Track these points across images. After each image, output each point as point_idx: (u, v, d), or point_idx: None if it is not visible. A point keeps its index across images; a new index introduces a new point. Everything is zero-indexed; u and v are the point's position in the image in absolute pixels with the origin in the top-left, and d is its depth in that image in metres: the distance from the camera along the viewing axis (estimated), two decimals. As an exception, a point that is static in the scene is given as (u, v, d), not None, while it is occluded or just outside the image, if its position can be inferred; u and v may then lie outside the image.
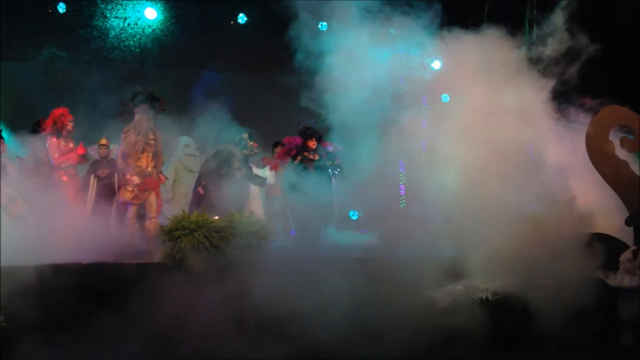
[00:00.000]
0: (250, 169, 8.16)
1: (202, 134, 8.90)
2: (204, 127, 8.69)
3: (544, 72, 7.30)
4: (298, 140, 8.60)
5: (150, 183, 7.11)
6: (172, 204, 8.60)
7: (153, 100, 7.08)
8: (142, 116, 7.02)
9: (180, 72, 10.74)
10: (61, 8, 9.38)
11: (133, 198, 7.03)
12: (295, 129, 9.27)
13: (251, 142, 7.84)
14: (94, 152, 8.68)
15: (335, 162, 8.12)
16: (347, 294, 5.64)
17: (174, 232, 5.92)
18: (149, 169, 7.09)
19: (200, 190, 7.74)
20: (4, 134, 7.83)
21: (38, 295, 5.18)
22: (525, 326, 5.85)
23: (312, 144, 7.94)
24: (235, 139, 7.82)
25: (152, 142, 7.09)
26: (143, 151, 7.04)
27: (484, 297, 6.01)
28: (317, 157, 7.90)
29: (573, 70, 7.36)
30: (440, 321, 5.64)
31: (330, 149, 8.41)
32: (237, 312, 5.53)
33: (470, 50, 6.97)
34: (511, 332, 5.80)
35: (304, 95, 7.00)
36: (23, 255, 5.90)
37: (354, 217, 10.37)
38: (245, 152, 7.79)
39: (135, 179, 7.01)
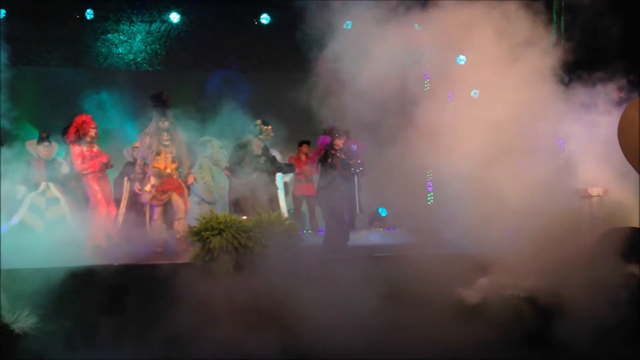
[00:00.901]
0: (274, 158, 8.18)
1: (229, 134, 9.03)
2: (230, 127, 8.81)
3: (572, 61, 7.20)
4: (327, 139, 8.60)
5: (170, 184, 7.13)
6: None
7: (159, 101, 7.13)
8: (153, 118, 7.13)
9: (206, 74, 10.80)
10: (89, 15, 9.54)
11: (152, 199, 7.09)
12: (317, 128, 9.30)
13: (265, 127, 7.85)
14: (127, 154, 8.83)
15: (358, 161, 8.09)
16: (375, 292, 5.62)
17: (203, 232, 5.97)
18: (168, 170, 7.14)
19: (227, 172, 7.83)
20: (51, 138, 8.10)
21: (71, 296, 5.27)
22: (556, 324, 5.75)
23: (340, 142, 7.93)
24: (250, 127, 7.88)
25: (167, 142, 7.14)
26: (159, 153, 7.11)
27: (514, 294, 5.94)
28: (343, 156, 7.89)
29: (604, 59, 7.25)
30: (470, 319, 5.58)
31: (354, 147, 8.39)
32: (266, 311, 5.56)
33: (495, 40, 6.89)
34: (542, 330, 5.70)
35: (327, 95, 6.99)
36: (57, 257, 6.04)
37: (383, 214, 10.37)
38: (261, 137, 7.83)
39: (152, 180, 7.06)
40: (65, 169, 8.13)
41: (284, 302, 5.57)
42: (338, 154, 7.84)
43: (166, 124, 7.14)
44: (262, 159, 7.80)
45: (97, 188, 7.04)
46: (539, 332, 5.70)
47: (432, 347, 5.22)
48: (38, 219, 7.87)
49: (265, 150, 7.88)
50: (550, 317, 5.74)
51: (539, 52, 6.94)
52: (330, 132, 8.13)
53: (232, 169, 7.78)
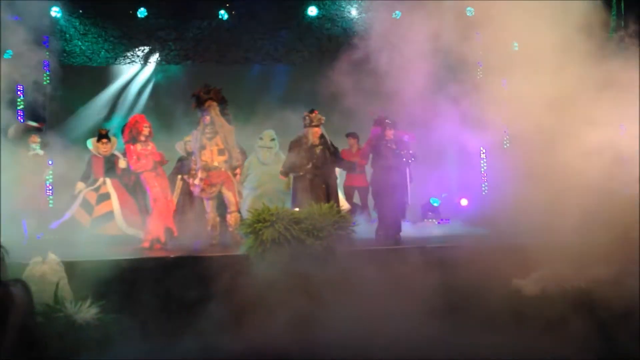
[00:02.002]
0: (335, 148, 8.15)
1: (279, 127, 9.11)
2: (280, 120, 8.88)
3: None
4: (378, 130, 8.49)
5: (217, 177, 7.21)
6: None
7: (200, 96, 7.22)
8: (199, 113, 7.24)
9: (256, 68, 10.90)
10: (141, 13, 9.75)
11: (201, 192, 7.21)
12: (365, 119, 9.23)
13: (313, 114, 7.82)
14: (179, 148, 9.00)
15: (410, 151, 7.97)
16: (430, 283, 5.55)
17: (255, 224, 6.01)
18: (215, 163, 7.22)
19: (283, 177, 7.84)
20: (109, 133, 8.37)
21: (130, 288, 5.40)
22: (620, 317, 5.51)
23: (390, 133, 7.82)
24: (302, 119, 7.87)
25: (211, 136, 7.22)
26: (204, 147, 7.20)
27: (575, 286, 5.73)
28: (394, 147, 7.79)
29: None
30: (529, 311, 5.43)
31: (406, 138, 8.26)
32: (320, 302, 5.56)
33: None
34: (605, 324, 5.48)
35: (374, 86, 6.94)
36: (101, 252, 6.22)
37: (436, 204, 10.23)
38: (313, 124, 7.79)
39: (200, 174, 7.17)
40: (122, 163, 8.37)
41: (337, 293, 5.55)
42: (389, 145, 7.75)
43: (207, 118, 7.22)
44: (319, 148, 7.80)
45: (154, 184, 7.18)
46: (601, 325, 5.48)
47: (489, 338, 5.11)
48: (86, 215, 8.10)
49: (322, 138, 7.86)
50: (612, 309, 5.52)
51: (597, 37, 6.70)
52: (380, 123, 8.03)
53: (288, 165, 7.83)
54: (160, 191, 7.19)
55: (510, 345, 5.13)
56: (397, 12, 8.72)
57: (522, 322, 5.36)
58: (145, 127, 7.21)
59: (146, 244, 7.02)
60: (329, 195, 7.74)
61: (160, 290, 5.52)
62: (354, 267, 5.84)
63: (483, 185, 11.12)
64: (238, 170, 7.42)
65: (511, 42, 7.95)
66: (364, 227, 7.70)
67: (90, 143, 8.62)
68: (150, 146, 7.27)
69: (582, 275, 5.85)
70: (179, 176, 8.49)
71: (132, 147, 7.14)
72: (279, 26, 10.43)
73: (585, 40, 6.58)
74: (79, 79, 10.52)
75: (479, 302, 5.47)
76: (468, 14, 8.30)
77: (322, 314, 5.48)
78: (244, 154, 8.70)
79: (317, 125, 7.82)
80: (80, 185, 8.34)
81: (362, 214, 9.24)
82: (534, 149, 6.64)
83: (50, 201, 8.95)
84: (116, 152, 8.56)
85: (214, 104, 7.22)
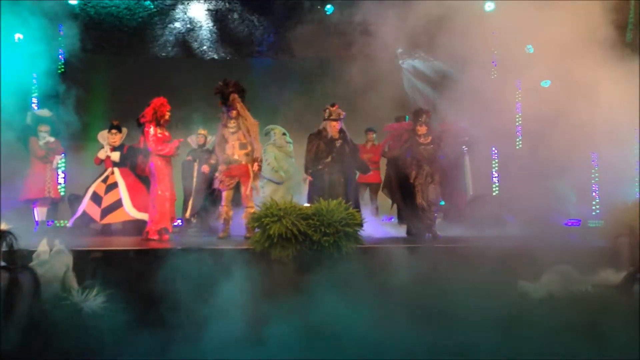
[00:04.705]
0: (354, 145, 8.13)
1: (298, 121, 9.14)
2: (300, 114, 8.91)
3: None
4: (407, 124, 8.41)
5: (237, 170, 7.30)
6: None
7: (222, 90, 7.27)
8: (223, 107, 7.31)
9: (274, 62, 10.90)
10: (151, 4, 9.76)
11: (220, 183, 7.33)
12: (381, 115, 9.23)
13: (333, 107, 7.81)
14: (191, 142, 9.06)
15: (465, 139, 7.82)
16: (433, 283, 5.53)
17: (263, 219, 6.00)
18: (235, 156, 7.29)
19: (309, 178, 7.87)
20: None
21: (136, 277, 5.43)
22: (629, 323, 5.45)
23: (423, 129, 7.71)
24: (321, 112, 7.87)
25: (234, 129, 7.28)
26: (227, 141, 7.29)
27: (583, 290, 5.69)
28: (429, 140, 7.67)
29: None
30: (534, 315, 5.38)
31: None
32: (325, 299, 5.55)
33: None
34: (612, 330, 5.42)
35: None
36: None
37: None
38: (332, 118, 7.79)
39: (221, 167, 7.33)
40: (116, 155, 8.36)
41: (343, 289, 5.54)
42: (422, 139, 7.62)
43: (234, 112, 7.25)
44: (339, 142, 7.78)
45: (165, 172, 7.12)
46: (608, 331, 5.42)
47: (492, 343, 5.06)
48: (96, 206, 8.14)
49: (342, 132, 7.85)
50: (620, 315, 5.46)
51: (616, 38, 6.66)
52: (415, 116, 7.88)
53: (307, 160, 7.84)
54: (169, 182, 7.16)
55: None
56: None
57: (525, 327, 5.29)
58: (168, 111, 7.19)
59: (154, 235, 7.02)
60: (348, 190, 7.71)
61: (164, 281, 5.50)
62: (360, 263, 5.85)
63: (493, 185, 11.10)
64: (255, 165, 7.39)
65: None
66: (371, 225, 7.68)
67: (101, 137, 8.64)
68: (167, 133, 7.24)
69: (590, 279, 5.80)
70: (195, 164, 8.61)
71: (153, 128, 7.06)
72: (298, 21, 10.40)
73: (602, 41, 6.55)
74: (93, 68, 10.60)
75: (480, 305, 5.41)
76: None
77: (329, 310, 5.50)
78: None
79: (335, 119, 7.80)
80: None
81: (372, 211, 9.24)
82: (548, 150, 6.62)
83: (62, 189, 9.01)
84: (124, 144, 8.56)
85: (237, 96, 7.24)
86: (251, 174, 7.29)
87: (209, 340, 5.09)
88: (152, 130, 7.03)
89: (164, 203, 7.06)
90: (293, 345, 4.94)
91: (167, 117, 7.15)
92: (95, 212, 8.05)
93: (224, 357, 4.87)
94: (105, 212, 8.05)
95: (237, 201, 7.50)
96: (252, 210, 6.96)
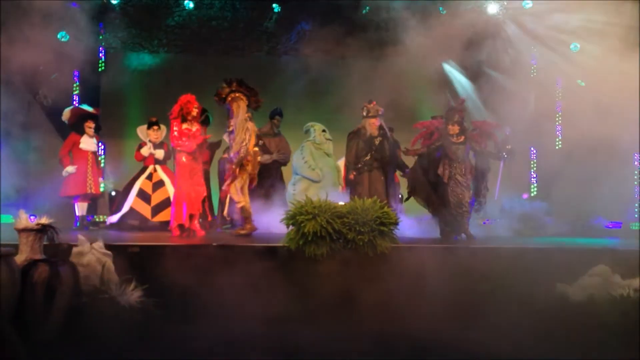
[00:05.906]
0: (394, 141, 8.04)
1: (333, 119, 9.14)
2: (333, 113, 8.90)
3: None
4: (437, 122, 8.28)
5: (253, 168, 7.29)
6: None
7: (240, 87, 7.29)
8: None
9: (306, 60, 10.87)
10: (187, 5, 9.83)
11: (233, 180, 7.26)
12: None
13: (371, 105, 7.73)
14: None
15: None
16: (469, 286, 5.46)
17: (297, 216, 6.01)
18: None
19: (351, 176, 7.85)
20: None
21: (172, 273, 5.49)
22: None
23: (454, 129, 7.54)
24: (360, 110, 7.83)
25: (231, 129, 7.37)
26: (244, 138, 7.21)
27: (624, 294, 5.54)
28: (462, 139, 7.50)
29: None
30: (574, 319, 5.26)
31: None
32: (358, 297, 5.54)
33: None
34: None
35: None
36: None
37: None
38: (370, 115, 7.70)
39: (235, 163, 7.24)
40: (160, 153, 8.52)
41: (376, 288, 5.52)
42: (454, 139, 7.48)
43: (238, 109, 7.27)
44: (378, 140, 7.72)
45: (188, 168, 7.12)
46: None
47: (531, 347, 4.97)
48: (145, 204, 8.29)
49: (382, 129, 7.77)
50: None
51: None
52: (449, 115, 7.72)
53: (348, 159, 7.80)
54: (192, 177, 7.16)
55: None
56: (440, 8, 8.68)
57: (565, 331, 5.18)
58: (195, 108, 7.23)
59: (176, 232, 7.10)
60: (388, 188, 7.61)
61: (198, 276, 5.54)
62: (393, 263, 5.82)
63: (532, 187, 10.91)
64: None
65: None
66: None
67: (141, 131, 8.77)
68: (195, 128, 7.29)
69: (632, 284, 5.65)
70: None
71: (177, 124, 7.12)
72: (328, 19, 10.37)
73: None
74: (132, 66, 10.76)
75: (519, 308, 5.32)
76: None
77: (361, 308, 5.48)
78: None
79: (374, 116, 7.72)
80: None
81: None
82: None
83: (102, 185, 9.18)
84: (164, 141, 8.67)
85: (236, 95, 7.25)
86: (236, 172, 7.21)
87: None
88: (175, 125, 7.13)
89: (181, 199, 7.08)
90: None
91: (194, 113, 7.21)
92: (144, 209, 8.23)
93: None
94: (156, 210, 8.26)
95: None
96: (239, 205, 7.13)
